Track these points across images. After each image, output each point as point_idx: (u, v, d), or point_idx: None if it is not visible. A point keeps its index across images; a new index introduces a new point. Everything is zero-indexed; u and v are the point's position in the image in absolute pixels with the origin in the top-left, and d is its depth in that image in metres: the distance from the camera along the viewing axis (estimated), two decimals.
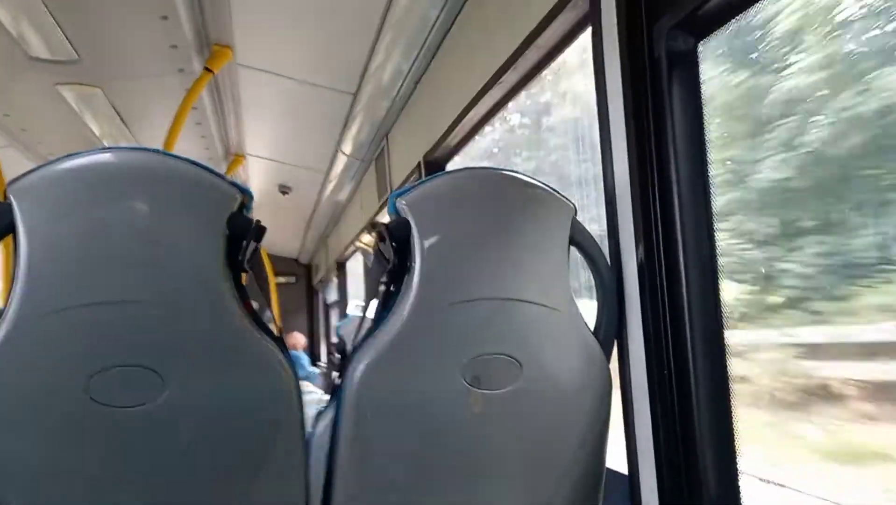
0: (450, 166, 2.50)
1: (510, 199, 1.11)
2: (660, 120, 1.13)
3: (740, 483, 1.08)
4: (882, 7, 1.11)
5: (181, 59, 2.64)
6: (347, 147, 3.45)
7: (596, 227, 1.25)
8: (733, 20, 1.08)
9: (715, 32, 1.11)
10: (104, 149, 0.95)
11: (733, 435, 1.08)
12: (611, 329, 1.17)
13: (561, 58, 1.61)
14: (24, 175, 0.91)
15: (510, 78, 1.76)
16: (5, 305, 0.89)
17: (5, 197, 0.91)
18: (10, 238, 0.91)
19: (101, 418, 0.89)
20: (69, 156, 0.93)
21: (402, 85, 2.60)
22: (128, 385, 0.90)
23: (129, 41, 2.51)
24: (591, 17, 1.27)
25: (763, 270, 1.47)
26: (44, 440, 0.90)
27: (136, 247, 0.91)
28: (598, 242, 1.18)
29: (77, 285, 0.89)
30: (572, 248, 1.14)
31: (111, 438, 0.91)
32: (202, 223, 0.95)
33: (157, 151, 0.96)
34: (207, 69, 2.71)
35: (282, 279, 7.82)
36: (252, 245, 0.99)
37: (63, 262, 0.90)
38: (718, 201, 1.14)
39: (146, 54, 2.63)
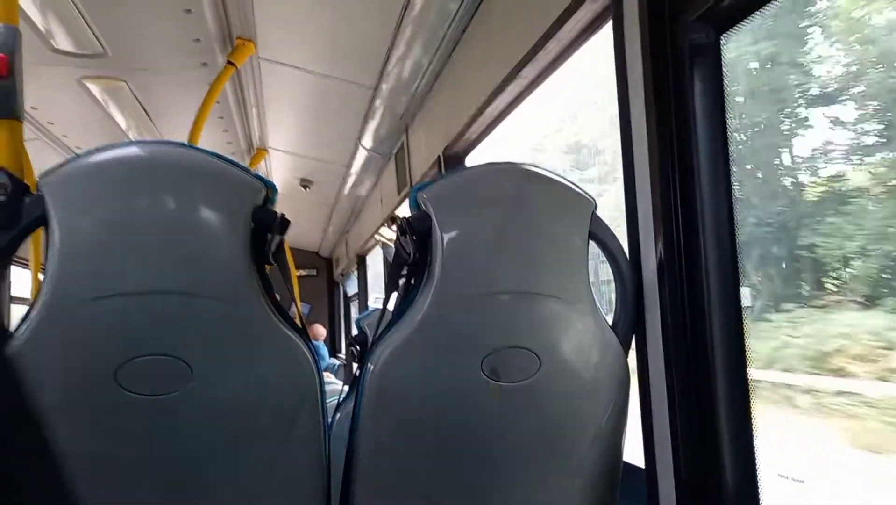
0: (469, 160, 2.50)
1: (530, 194, 1.11)
2: (681, 114, 1.12)
3: (759, 479, 1.08)
4: None
5: (204, 52, 2.67)
6: (368, 141, 3.46)
7: None
8: (755, 13, 1.07)
9: (737, 25, 1.10)
10: (132, 142, 0.97)
11: (752, 431, 1.08)
12: (629, 323, 1.17)
13: None
14: (54, 168, 0.93)
15: (530, 71, 1.75)
16: (37, 296, 0.91)
17: (37, 189, 0.93)
18: (40, 230, 0.94)
19: (130, 406, 0.92)
20: (98, 149, 0.95)
21: (421, 79, 2.60)
22: (157, 374, 0.92)
23: (154, 35, 2.54)
24: (613, 10, 1.26)
25: None
26: (74, 428, 0.92)
27: (163, 239, 0.93)
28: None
29: (106, 276, 0.91)
30: (592, 243, 1.14)
31: (140, 426, 0.93)
32: (228, 216, 0.96)
33: (182, 145, 0.98)
34: (230, 63, 2.73)
35: (303, 272, 7.88)
36: (276, 238, 1.00)
37: (93, 253, 0.92)
38: None
39: (170, 48, 2.66)
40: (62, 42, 2.51)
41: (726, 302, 1.10)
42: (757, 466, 1.08)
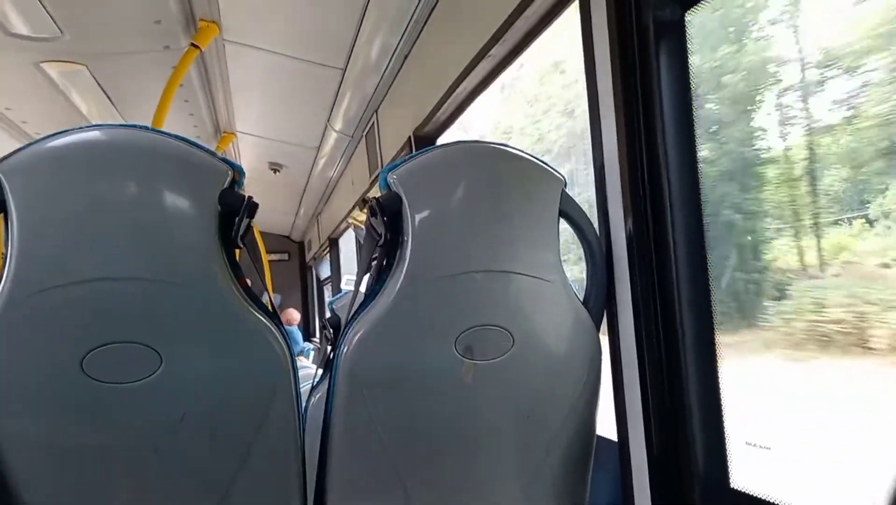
0: (440, 141, 2.49)
1: (500, 172, 1.11)
2: (648, 90, 1.13)
3: (728, 448, 1.11)
4: None
5: (167, 34, 2.60)
6: (338, 123, 3.42)
7: None
8: None
9: (701, 2, 1.11)
10: (93, 126, 0.94)
11: (721, 401, 1.10)
12: (600, 299, 1.18)
13: None
14: (12, 153, 0.91)
15: (499, 50, 1.75)
16: None
17: None
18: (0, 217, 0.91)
19: (97, 394, 0.90)
20: (58, 133, 0.92)
21: (390, 60, 2.57)
22: (124, 361, 0.91)
23: (112, 17, 2.47)
24: None
25: None
26: (41, 417, 0.90)
27: (127, 224, 0.91)
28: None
29: (69, 263, 0.89)
30: (562, 220, 1.14)
31: (107, 414, 0.92)
32: (194, 200, 0.94)
33: (146, 128, 0.96)
34: (194, 45, 2.66)
35: (274, 256, 7.81)
36: (245, 221, 0.99)
37: (55, 239, 0.89)
38: None
39: (130, 30, 2.58)
40: (17, 25, 2.43)
41: (695, 276, 1.12)
42: (726, 437, 1.10)
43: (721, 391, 1.10)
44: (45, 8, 2.32)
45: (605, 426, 1.21)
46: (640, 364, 1.13)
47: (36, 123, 3.44)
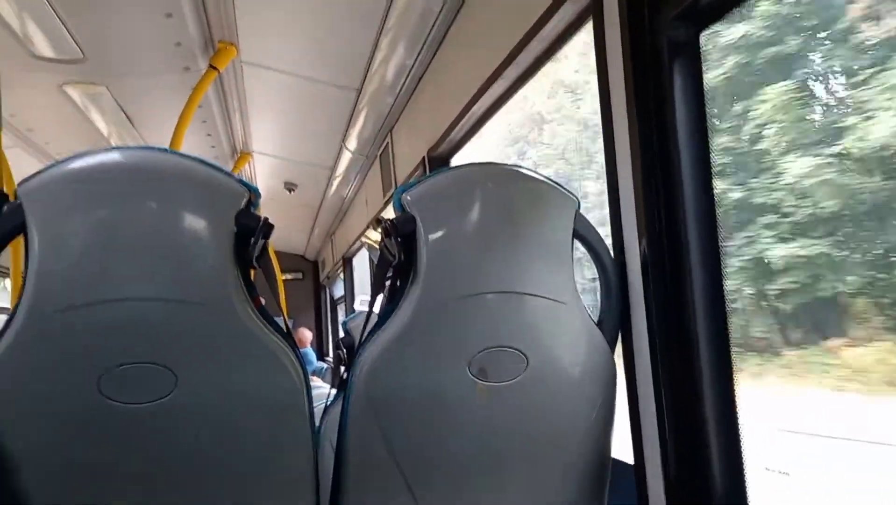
0: (454, 161, 2.50)
1: (514, 194, 1.12)
2: (662, 111, 1.13)
3: (746, 472, 1.09)
4: None
5: (186, 56, 2.66)
6: (352, 143, 3.45)
7: None
8: (734, 10, 1.08)
9: (716, 22, 1.11)
10: (112, 148, 0.96)
11: (738, 425, 1.08)
12: (615, 321, 1.18)
13: None
14: (33, 175, 0.92)
15: (513, 72, 1.76)
16: (17, 305, 0.90)
17: (15, 197, 0.92)
18: (20, 238, 0.92)
19: (113, 415, 0.90)
20: (78, 155, 0.94)
21: (405, 80, 2.60)
22: (140, 382, 0.91)
23: (134, 39, 2.53)
24: (593, 9, 1.27)
25: None
26: (57, 437, 0.91)
27: (145, 245, 0.92)
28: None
29: (87, 284, 0.90)
30: (576, 242, 1.14)
31: (124, 435, 0.92)
32: (210, 221, 0.95)
33: (164, 150, 0.97)
34: (213, 67, 2.72)
35: (289, 276, 7.85)
36: (260, 242, 1.00)
37: (73, 260, 0.90)
38: None
39: (151, 52, 2.64)
40: (42, 48, 2.49)
41: (711, 298, 1.11)
42: (744, 461, 1.09)
43: (738, 415, 1.09)
44: (68, 31, 2.38)
45: (621, 449, 1.20)
46: (655, 387, 1.11)
47: (57, 144, 3.51)
